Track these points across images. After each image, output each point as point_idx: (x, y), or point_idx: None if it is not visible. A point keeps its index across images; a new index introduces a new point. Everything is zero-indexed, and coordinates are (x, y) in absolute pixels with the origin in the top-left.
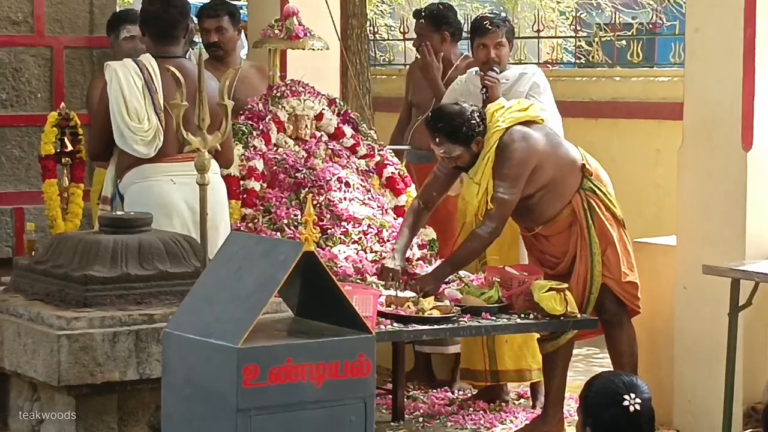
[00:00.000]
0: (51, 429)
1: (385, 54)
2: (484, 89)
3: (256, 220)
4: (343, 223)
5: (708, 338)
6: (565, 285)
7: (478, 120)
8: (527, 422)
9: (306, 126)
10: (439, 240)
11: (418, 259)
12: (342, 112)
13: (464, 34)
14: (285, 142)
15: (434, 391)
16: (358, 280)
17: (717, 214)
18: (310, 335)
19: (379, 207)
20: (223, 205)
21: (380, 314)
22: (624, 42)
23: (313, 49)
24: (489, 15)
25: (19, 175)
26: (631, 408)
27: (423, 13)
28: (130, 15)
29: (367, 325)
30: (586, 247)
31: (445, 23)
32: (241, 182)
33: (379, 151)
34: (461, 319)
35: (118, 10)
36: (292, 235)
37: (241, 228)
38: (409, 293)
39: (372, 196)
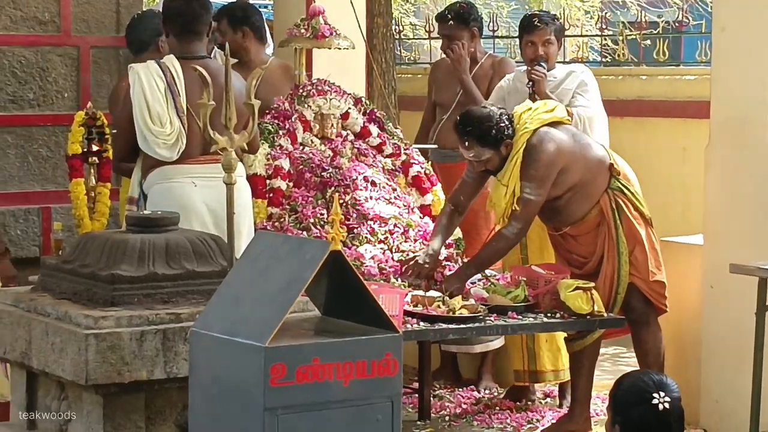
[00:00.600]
0: (79, 428)
1: (411, 53)
2: (531, 83)
3: (282, 220)
4: (369, 223)
5: (735, 337)
6: (592, 284)
7: (506, 123)
8: (554, 421)
9: (332, 125)
10: (465, 239)
11: (445, 259)
12: (368, 111)
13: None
14: (311, 141)
15: (460, 390)
16: (382, 281)
17: (744, 213)
18: (337, 334)
19: (405, 206)
20: (247, 209)
21: (407, 314)
22: (649, 41)
23: (339, 48)
24: (538, 12)
25: (46, 175)
26: (661, 406)
27: (449, 14)
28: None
29: (394, 324)
30: (614, 247)
31: (473, 19)
32: (268, 181)
33: (405, 150)
34: (488, 318)
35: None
36: (319, 235)
37: (268, 227)
38: (434, 293)
39: (398, 195)
